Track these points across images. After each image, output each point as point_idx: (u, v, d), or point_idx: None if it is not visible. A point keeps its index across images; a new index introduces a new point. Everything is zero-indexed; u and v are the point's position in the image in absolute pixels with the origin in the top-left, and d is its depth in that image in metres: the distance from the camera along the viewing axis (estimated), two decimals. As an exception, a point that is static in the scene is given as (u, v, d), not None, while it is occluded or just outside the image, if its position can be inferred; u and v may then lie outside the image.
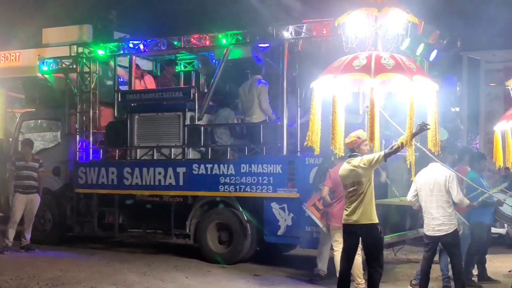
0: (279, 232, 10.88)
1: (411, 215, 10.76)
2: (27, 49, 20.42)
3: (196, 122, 11.83)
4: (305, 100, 11.05)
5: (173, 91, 12.43)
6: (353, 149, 7.76)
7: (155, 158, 12.19)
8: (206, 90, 12.97)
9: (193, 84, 14.03)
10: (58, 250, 12.47)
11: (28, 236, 12.39)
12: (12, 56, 24.38)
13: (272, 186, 10.94)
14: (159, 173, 11.99)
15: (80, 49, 12.96)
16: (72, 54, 13.09)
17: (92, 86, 12.94)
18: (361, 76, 7.40)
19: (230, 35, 11.60)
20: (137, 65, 13.23)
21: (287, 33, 11.02)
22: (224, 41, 11.64)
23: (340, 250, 8.50)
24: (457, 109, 15.73)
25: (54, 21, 22.20)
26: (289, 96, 11.06)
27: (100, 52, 12.78)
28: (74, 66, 13.09)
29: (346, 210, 7.71)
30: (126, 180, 12.32)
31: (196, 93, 11.97)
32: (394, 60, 7.38)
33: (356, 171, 7.54)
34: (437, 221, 8.40)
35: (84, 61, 12.96)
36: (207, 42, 12.02)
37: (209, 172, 11.54)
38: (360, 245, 8.04)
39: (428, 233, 8.55)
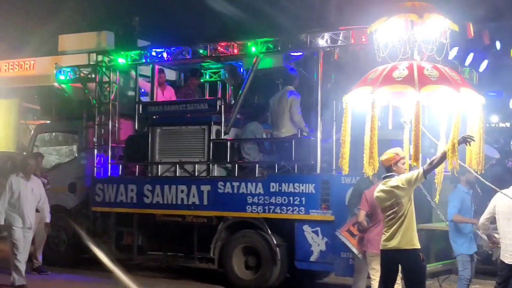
0: (312, 258, 10.51)
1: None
2: (42, 56, 20.26)
3: (222, 137, 11.50)
4: (341, 114, 10.68)
5: (197, 103, 12.13)
6: (389, 168, 7.42)
7: (177, 174, 11.89)
8: (233, 102, 12.67)
9: (219, 95, 13.69)
10: (72, 273, 12.24)
11: (40, 257, 12.12)
12: (27, 64, 24.32)
13: (304, 208, 10.59)
14: (182, 191, 11.67)
15: (100, 58, 12.74)
16: (91, 63, 12.88)
17: (112, 97, 12.69)
18: (403, 88, 7.14)
19: (260, 43, 11.26)
20: (162, 70, 12.99)
21: (322, 41, 10.66)
22: (253, 49, 11.30)
23: (378, 279, 8.27)
24: (507, 124, 15.28)
25: (71, 27, 22.07)
26: (324, 109, 10.68)
27: (121, 60, 12.50)
28: (93, 76, 12.86)
29: (384, 234, 7.39)
30: (146, 199, 12.02)
31: (223, 105, 11.64)
32: (438, 70, 7.17)
33: (394, 192, 7.17)
34: None
35: (103, 70, 12.73)
36: (235, 51, 11.65)
37: (235, 191, 11.23)
38: (399, 274, 7.62)
39: (506, 260, 8.13)
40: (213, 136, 11.50)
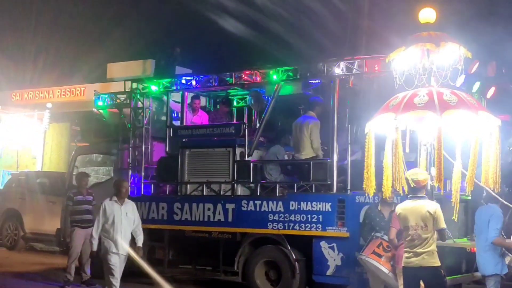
0: (328, 272, 10.81)
1: (467, 258, 10.46)
2: (92, 83, 21.11)
3: (246, 158, 11.89)
4: (355, 137, 11.14)
5: (223, 127, 12.53)
6: (420, 189, 7.56)
7: (204, 193, 12.29)
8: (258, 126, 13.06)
9: (246, 119, 14.10)
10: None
11: (88, 270, 12.54)
12: (77, 90, 25.46)
13: (322, 225, 10.90)
14: (209, 209, 12.07)
15: (134, 85, 13.28)
16: (127, 90, 13.42)
17: (145, 121, 13.19)
18: (425, 114, 7.43)
19: (281, 71, 11.71)
20: (198, 96, 13.54)
21: (338, 70, 11.06)
22: (275, 77, 11.75)
23: None
24: None
25: (119, 56, 22.93)
26: (339, 133, 11.06)
27: (154, 87, 13.06)
28: (128, 101, 13.38)
29: (407, 252, 7.54)
30: (176, 216, 12.43)
31: (246, 129, 12.07)
32: (456, 95, 7.47)
33: (427, 215, 7.38)
34: None
35: (137, 96, 13.25)
36: (258, 78, 12.12)
37: (258, 209, 11.57)
38: None
39: None
40: (237, 158, 11.85)
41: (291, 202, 11.21)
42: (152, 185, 13.16)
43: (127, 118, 13.41)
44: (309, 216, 11.02)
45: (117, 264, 9.92)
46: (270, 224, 11.37)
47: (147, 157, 13.25)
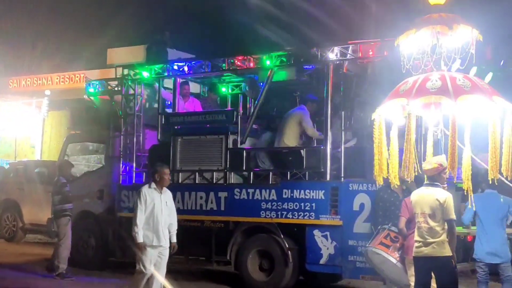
0: (322, 261, 10.80)
1: (464, 247, 10.34)
2: (92, 69, 20.94)
3: (239, 146, 11.87)
4: (349, 124, 11.12)
5: (216, 114, 12.55)
6: (432, 177, 7.50)
7: (197, 182, 12.29)
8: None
9: (241, 107, 14.09)
10: (99, 276, 12.67)
11: (65, 264, 12.37)
12: (77, 77, 25.38)
13: (315, 213, 10.87)
14: (201, 198, 12.06)
15: (126, 71, 13.23)
16: (118, 76, 13.38)
17: (137, 109, 13.15)
18: (438, 99, 7.31)
19: (275, 56, 11.64)
20: (187, 82, 13.42)
21: (332, 55, 10.98)
22: (268, 62, 11.67)
23: None
24: None
25: (120, 41, 22.83)
26: (334, 120, 11.03)
27: (145, 74, 12.99)
28: (120, 88, 13.35)
29: (418, 242, 7.50)
30: None
31: (239, 116, 12.08)
32: (469, 80, 7.41)
33: (437, 203, 7.32)
34: None
35: (129, 83, 13.22)
36: (251, 64, 12.03)
37: (250, 197, 11.56)
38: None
39: None
40: (230, 145, 11.85)
41: (284, 190, 11.20)
42: (144, 173, 13.07)
43: (119, 105, 13.37)
44: (302, 204, 11.00)
45: (152, 259, 8.98)
46: (263, 213, 11.36)
47: (139, 145, 13.22)
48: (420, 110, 7.94)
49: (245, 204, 11.59)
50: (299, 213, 11.00)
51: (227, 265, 12.02)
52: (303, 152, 11.30)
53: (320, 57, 11.12)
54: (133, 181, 13.04)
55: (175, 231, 9.32)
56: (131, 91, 13.21)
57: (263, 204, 11.34)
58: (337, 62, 11.03)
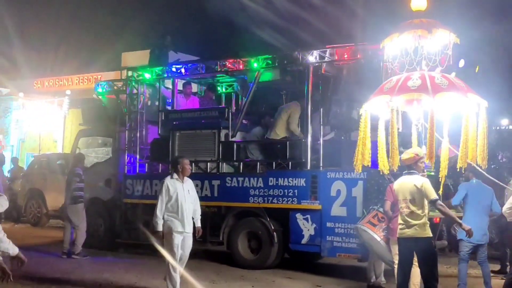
0: (303, 241, 11.13)
1: (432, 228, 10.78)
2: (108, 71, 21.30)
3: (230, 139, 12.19)
4: (327, 120, 11.50)
5: (209, 111, 12.81)
6: (410, 166, 7.70)
7: (193, 171, 12.11)
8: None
9: (234, 104, 14.41)
10: (111, 256, 13.02)
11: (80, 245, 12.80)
12: (94, 78, 25.75)
13: (297, 198, 11.19)
14: (197, 185, 11.71)
15: (130, 73, 13.60)
16: (123, 78, 13.74)
17: (140, 106, 13.51)
18: (418, 96, 7.56)
19: (261, 59, 11.98)
20: (189, 82, 13.79)
21: (312, 57, 11.31)
22: (255, 65, 12.03)
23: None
24: None
25: (133, 46, 23.21)
26: (314, 115, 11.31)
27: (147, 75, 13.38)
28: (124, 88, 13.70)
29: (402, 224, 7.65)
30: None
31: (230, 113, 12.38)
32: (446, 79, 7.59)
33: (415, 189, 7.53)
34: None
35: (133, 83, 13.58)
36: (241, 66, 12.37)
37: (240, 185, 11.89)
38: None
39: None
40: (222, 139, 12.17)
41: (270, 178, 11.52)
42: (146, 164, 13.45)
43: (124, 103, 13.73)
44: (286, 190, 11.34)
45: (179, 244, 8.79)
46: (251, 198, 11.70)
47: (142, 138, 13.55)
48: (404, 106, 8.21)
49: (236, 191, 11.90)
50: (283, 199, 11.32)
51: (220, 245, 12.29)
52: (287, 144, 11.62)
53: (301, 59, 11.43)
54: (137, 171, 13.41)
55: (199, 217, 9.19)
56: (135, 91, 13.56)
57: (252, 191, 11.67)
58: (316, 64, 11.33)
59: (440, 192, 8.23)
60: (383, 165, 8.18)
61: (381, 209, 9.33)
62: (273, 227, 11.46)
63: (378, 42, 10.50)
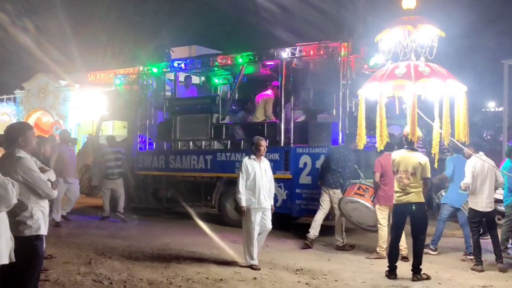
0: (277, 204, 11.01)
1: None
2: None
3: (220, 122, 12.57)
4: (298, 105, 11.81)
5: (203, 99, 13.20)
6: (412, 142, 7.60)
7: (191, 148, 12.99)
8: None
9: (229, 93, 14.47)
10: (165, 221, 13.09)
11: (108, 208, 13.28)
12: (136, 71, 26.04)
13: (272, 169, 10.96)
14: (193, 160, 12.76)
15: (141, 68, 14.00)
16: (135, 71, 14.19)
17: (149, 95, 13.91)
18: (403, 82, 7.49)
19: (245, 55, 12.27)
20: (190, 76, 14.19)
21: (285, 54, 11.57)
22: (240, 60, 12.34)
23: (385, 227, 8.78)
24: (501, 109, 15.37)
25: (171, 42, 23.41)
26: (286, 102, 11.61)
27: (155, 69, 13.78)
28: (137, 80, 14.11)
29: (399, 191, 7.54)
30: (171, 165, 13.16)
31: (220, 100, 12.72)
32: (429, 67, 7.54)
33: (418, 164, 7.49)
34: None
35: (143, 76, 13.98)
36: (229, 61, 12.67)
37: (228, 159, 12.22)
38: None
39: (478, 208, 8.41)
40: (214, 121, 12.52)
41: None
42: (154, 142, 13.88)
43: (136, 92, 14.13)
44: None
45: (257, 220, 8.22)
46: (236, 170, 11.46)
47: (151, 121, 13.95)
48: (393, 91, 8.06)
49: (224, 164, 12.24)
50: None
51: (213, 208, 12.69)
52: (265, 125, 11.95)
53: (276, 55, 11.72)
54: (147, 148, 13.86)
55: (273, 195, 8.54)
56: (145, 83, 13.96)
57: (237, 164, 11.62)
58: (288, 59, 11.58)
59: (436, 166, 8.10)
60: (380, 142, 7.98)
61: (363, 182, 9.47)
62: (254, 193, 11.84)
63: (337, 41, 11.09)
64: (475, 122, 28.85)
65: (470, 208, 8.57)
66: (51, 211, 11.24)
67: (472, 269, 8.34)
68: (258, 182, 8.18)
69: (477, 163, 8.45)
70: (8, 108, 33.66)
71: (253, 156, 8.35)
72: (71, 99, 29.68)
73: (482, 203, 8.42)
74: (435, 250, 9.52)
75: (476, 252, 8.38)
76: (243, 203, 8.16)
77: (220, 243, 9.93)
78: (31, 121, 31.81)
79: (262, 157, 8.41)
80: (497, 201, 9.89)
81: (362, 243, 10.39)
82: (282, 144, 11.54)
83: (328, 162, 10.15)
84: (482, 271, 8.19)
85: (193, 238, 10.47)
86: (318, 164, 10.78)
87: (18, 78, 32.27)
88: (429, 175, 7.64)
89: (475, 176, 8.42)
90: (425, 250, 8.72)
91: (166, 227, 12.00)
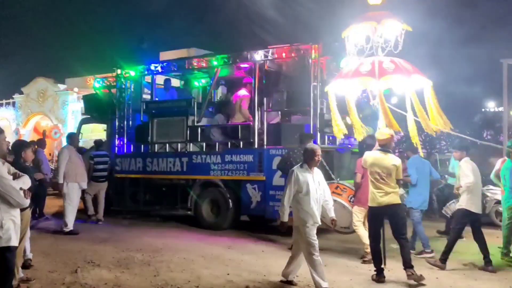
0: (252, 206, 11.50)
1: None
2: None
3: (196, 124, 12.56)
4: (271, 106, 11.80)
5: (179, 101, 13.17)
6: (385, 145, 7.53)
7: (167, 150, 12.98)
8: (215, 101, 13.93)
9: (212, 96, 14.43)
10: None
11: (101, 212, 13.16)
12: None
13: (247, 171, 11.53)
14: (170, 162, 12.78)
15: (119, 71, 13.98)
16: (113, 74, 14.13)
17: (127, 98, 13.91)
18: (368, 79, 7.65)
19: (219, 58, 12.26)
20: (169, 79, 14.14)
21: (257, 56, 11.59)
22: (215, 63, 12.34)
23: (361, 227, 8.64)
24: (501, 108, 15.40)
25: (169, 45, 23.34)
26: (260, 104, 11.61)
27: (132, 72, 13.78)
28: (115, 84, 14.10)
29: (378, 193, 7.43)
30: (148, 168, 13.19)
31: (196, 103, 12.70)
32: (394, 63, 7.67)
33: (394, 167, 7.39)
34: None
35: (121, 79, 13.99)
36: (204, 64, 12.66)
37: (204, 161, 12.25)
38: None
39: (472, 210, 8.36)
40: (189, 124, 12.50)
41: (226, 156, 11.88)
42: (132, 145, 13.88)
43: (115, 96, 14.12)
44: (238, 165, 11.69)
45: (315, 235, 7.05)
46: (212, 172, 12.08)
47: (129, 124, 13.94)
48: (360, 88, 8.24)
49: (200, 166, 12.26)
50: (237, 172, 11.68)
51: (189, 211, 12.67)
52: (239, 128, 11.94)
53: (250, 58, 11.73)
54: (125, 151, 13.86)
55: (332, 207, 7.34)
56: (123, 86, 13.96)
57: (212, 166, 12.06)
58: (261, 62, 11.61)
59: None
60: (358, 135, 8.20)
61: (341, 182, 9.44)
62: (228, 195, 11.88)
63: (308, 43, 11.12)
64: (475, 122, 28.89)
65: (463, 209, 8.37)
66: (64, 218, 11.32)
67: (433, 265, 8.28)
68: (312, 196, 7.02)
69: (473, 163, 8.47)
70: (8, 112, 33.83)
71: (305, 165, 7.15)
72: (70, 103, 29.73)
73: (478, 205, 8.41)
74: (431, 251, 9.33)
75: (446, 251, 8.29)
76: (285, 218, 7.03)
77: (214, 248, 9.80)
78: (30, 125, 32.00)
79: (315, 168, 7.24)
80: (498, 202, 9.86)
81: (352, 246, 10.01)
82: (256, 146, 11.57)
83: (284, 163, 9.95)
84: (444, 269, 8.17)
85: (186, 243, 10.31)
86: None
87: (16, 83, 32.52)
88: (401, 177, 7.59)
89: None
90: (422, 256, 8.94)
91: (160, 231, 11.85)
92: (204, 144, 12.50)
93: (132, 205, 13.75)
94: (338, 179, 9.63)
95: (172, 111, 12.97)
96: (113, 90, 14.26)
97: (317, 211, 7.07)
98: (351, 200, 9.17)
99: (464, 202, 8.37)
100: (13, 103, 33.36)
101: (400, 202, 7.55)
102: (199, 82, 14.74)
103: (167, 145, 13.04)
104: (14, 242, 5.11)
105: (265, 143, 11.53)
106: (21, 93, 32.45)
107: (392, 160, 7.46)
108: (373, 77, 7.48)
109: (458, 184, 8.49)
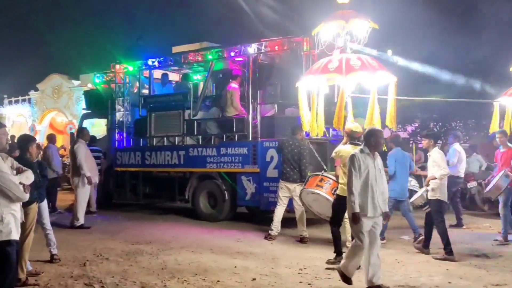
0: (247, 198, 11.63)
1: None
2: None
3: (192, 118, 12.71)
4: (264, 100, 11.87)
5: (176, 95, 13.28)
6: (358, 138, 7.56)
7: (165, 144, 13.15)
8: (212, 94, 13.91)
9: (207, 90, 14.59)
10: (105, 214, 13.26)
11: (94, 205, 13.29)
12: None
13: (241, 164, 11.64)
14: (168, 155, 12.94)
15: (117, 66, 14.14)
16: (112, 70, 14.30)
17: (126, 93, 14.08)
18: (335, 75, 7.84)
19: (214, 52, 12.39)
20: (167, 74, 14.28)
21: (251, 49, 11.69)
22: (210, 57, 12.45)
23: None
24: None
25: (182, 40, 23.31)
26: (253, 97, 11.70)
27: (130, 68, 13.93)
28: (114, 79, 14.28)
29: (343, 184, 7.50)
30: (147, 161, 13.37)
31: (191, 97, 12.80)
32: (360, 60, 7.85)
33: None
34: None
35: (120, 74, 14.15)
36: (199, 58, 12.81)
37: (200, 154, 12.39)
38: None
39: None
40: (186, 117, 12.66)
41: (222, 148, 12.00)
42: (131, 139, 14.07)
43: (114, 91, 14.29)
44: (233, 158, 11.80)
45: (368, 230, 6.36)
46: (208, 165, 12.22)
47: (128, 119, 14.14)
48: (327, 83, 8.44)
49: (197, 159, 12.39)
50: (232, 164, 11.79)
51: (187, 203, 12.88)
52: (233, 120, 12.10)
53: (243, 51, 11.83)
54: (124, 145, 14.04)
55: (386, 199, 6.63)
56: (122, 81, 14.10)
57: (208, 159, 12.18)
58: (255, 55, 11.70)
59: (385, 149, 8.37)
60: (317, 130, 8.37)
61: (325, 174, 9.38)
62: (224, 187, 11.99)
63: (300, 35, 11.19)
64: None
65: (437, 200, 8.41)
66: (76, 213, 11.41)
67: (439, 259, 8.21)
68: (372, 184, 6.36)
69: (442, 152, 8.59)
70: (24, 109, 34.22)
71: (367, 150, 6.50)
72: (84, 99, 29.91)
73: (446, 193, 8.50)
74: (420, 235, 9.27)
75: (446, 243, 8.24)
76: (357, 209, 6.30)
77: (223, 241, 9.83)
78: (46, 121, 32.36)
79: (376, 153, 6.59)
80: None
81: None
82: (250, 139, 11.67)
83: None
84: (455, 260, 8.10)
85: (195, 236, 10.32)
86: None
87: (32, 80, 32.83)
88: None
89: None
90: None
91: (170, 224, 11.89)
92: (201, 137, 12.61)
93: (132, 198, 13.93)
94: (322, 172, 9.49)
95: (169, 105, 13.11)
96: (112, 85, 14.40)
97: (377, 201, 6.39)
98: (335, 192, 9.02)
99: (437, 193, 8.41)
100: (29, 100, 33.71)
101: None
102: (197, 76, 14.80)
103: (165, 138, 13.17)
104: (15, 236, 5.15)
105: (258, 136, 11.62)
106: (37, 89, 32.78)
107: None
108: (340, 74, 7.65)
109: (432, 175, 8.45)
